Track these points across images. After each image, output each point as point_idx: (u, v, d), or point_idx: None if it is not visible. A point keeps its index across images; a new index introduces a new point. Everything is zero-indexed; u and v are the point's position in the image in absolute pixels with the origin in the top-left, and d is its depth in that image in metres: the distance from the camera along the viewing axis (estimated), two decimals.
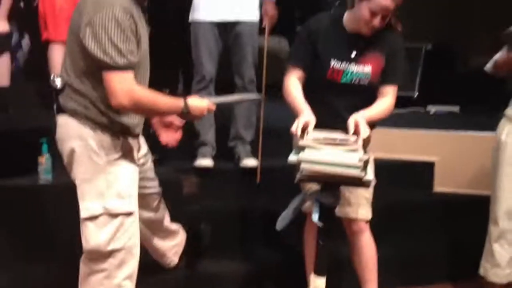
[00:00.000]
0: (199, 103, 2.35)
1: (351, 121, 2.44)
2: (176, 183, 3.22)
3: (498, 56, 2.99)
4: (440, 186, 3.93)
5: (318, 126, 2.49)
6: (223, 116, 3.70)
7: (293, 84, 2.63)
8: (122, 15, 2.10)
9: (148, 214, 2.69)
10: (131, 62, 2.14)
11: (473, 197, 3.64)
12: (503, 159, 2.91)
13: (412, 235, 3.56)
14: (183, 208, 3.20)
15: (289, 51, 4.57)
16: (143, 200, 2.58)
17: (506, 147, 2.90)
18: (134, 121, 2.33)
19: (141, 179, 2.49)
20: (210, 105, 2.40)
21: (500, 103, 3.03)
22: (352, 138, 2.43)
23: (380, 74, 2.61)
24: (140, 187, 2.47)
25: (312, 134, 2.43)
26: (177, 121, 2.48)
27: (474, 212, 3.53)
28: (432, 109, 4.92)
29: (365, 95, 2.62)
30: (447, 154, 3.92)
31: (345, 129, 2.46)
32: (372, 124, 2.57)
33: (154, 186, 2.67)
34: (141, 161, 2.50)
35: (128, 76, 2.14)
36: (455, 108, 4.88)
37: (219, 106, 2.50)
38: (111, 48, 2.09)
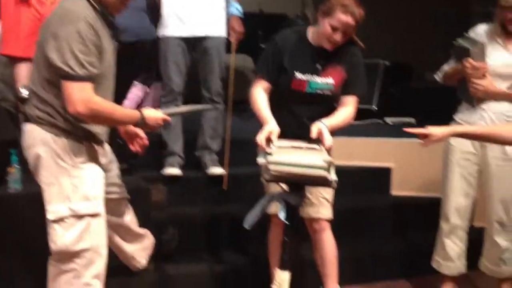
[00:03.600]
0: (155, 114, 2.48)
1: (315, 128, 2.57)
2: (145, 191, 3.29)
3: (446, 66, 3.19)
4: (397, 190, 4.13)
5: (283, 133, 2.61)
6: (191, 127, 3.83)
7: (259, 94, 2.76)
8: (85, 28, 2.20)
9: (116, 219, 2.76)
10: (90, 73, 2.23)
11: (427, 199, 3.85)
12: (452, 161, 3.11)
13: (371, 236, 3.74)
14: (152, 215, 3.28)
15: (254, 67, 4.72)
16: (110, 205, 2.64)
17: (454, 150, 3.10)
18: (98, 128, 2.43)
19: (108, 185, 2.57)
20: (165, 116, 2.53)
21: (452, 114, 3.21)
22: (316, 147, 2.56)
23: (342, 85, 2.77)
24: (107, 193, 2.54)
25: (277, 143, 2.55)
26: (139, 131, 2.62)
27: (428, 213, 3.72)
28: (390, 120, 5.14)
29: (327, 105, 2.78)
30: (403, 160, 4.13)
31: (309, 137, 2.59)
32: (332, 132, 2.69)
33: (120, 192, 2.75)
34: (107, 167, 2.59)
35: (87, 86, 2.23)
36: (411, 120, 5.09)
37: (173, 116, 2.64)
38: (71, 59, 2.20)
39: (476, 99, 3.04)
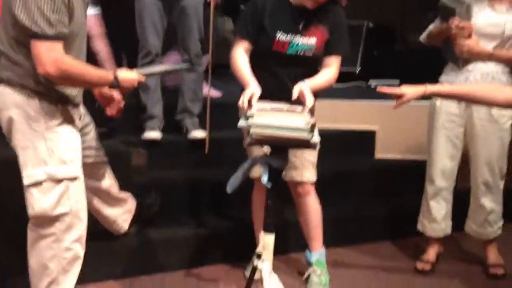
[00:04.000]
0: (129, 75, 2.42)
1: (296, 89, 2.52)
2: (125, 155, 3.23)
3: (432, 26, 3.13)
4: (381, 153, 4.10)
5: (265, 96, 2.57)
6: (170, 90, 3.75)
7: (240, 56, 2.70)
8: None
9: (95, 183, 2.72)
10: (60, 32, 2.15)
11: (412, 162, 3.83)
12: (437, 123, 3.06)
13: (355, 198, 3.73)
14: (132, 179, 3.23)
15: (234, 29, 4.64)
16: (89, 169, 2.60)
17: (440, 112, 3.06)
18: (71, 90, 2.35)
19: (85, 148, 2.52)
20: (140, 76, 2.46)
21: (437, 76, 3.16)
22: (298, 108, 2.51)
23: (324, 46, 2.70)
24: (85, 157, 2.49)
25: (258, 105, 2.50)
26: (116, 93, 2.53)
27: (412, 175, 3.71)
28: (373, 83, 5.08)
29: (309, 66, 2.72)
30: (387, 123, 4.09)
31: (290, 99, 2.54)
32: (315, 94, 2.65)
33: (99, 155, 2.70)
34: (84, 130, 2.53)
35: (57, 45, 2.15)
36: (395, 82, 5.02)
37: (148, 77, 2.56)
38: (40, 17, 2.11)
39: (461, 60, 2.98)
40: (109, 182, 2.81)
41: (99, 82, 2.37)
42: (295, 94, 2.51)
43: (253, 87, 2.54)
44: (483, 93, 2.29)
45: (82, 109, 2.50)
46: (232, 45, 2.77)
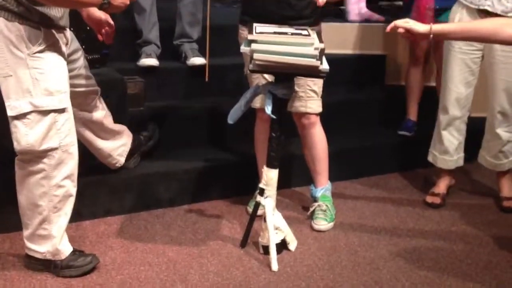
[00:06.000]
0: None
1: None
2: (120, 83, 3.05)
3: None
4: (391, 79, 3.93)
5: (263, 15, 2.44)
6: (167, 13, 3.53)
7: None
8: None
9: (87, 115, 2.58)
10: None
11: (424, 88, 3.63)
12: (454, 47, 2.87)
13: (363, 129, 3.58)
14: (129, 109, 3.08)
15: None
16: (80, 99, 2.46)
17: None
18: (57, 12, 2.15)
19: (74, 77, 2.37)
20: None
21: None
22: (304, 31, 2.34)
23: None
24: (74, 86, 2.36)
25: (260, 29, 2.33)
26: (104, 15, 2.34)
27: (424, 103, 3.57)
28: (383, 4, 4.85)
29: None
30: (398, 47, 3.88)
31: (289, 18, 2.42)
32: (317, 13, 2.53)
33: (90, 85, 2.55)
34: (72, 57, 2.36)
35: None
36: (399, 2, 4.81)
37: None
38: None
39: None
40: (102, 113, 2.66)
41: (88, 1, 2.14)
42: None
43: None
44: (493, 30, 2.11)
45: (68, 34, 2.31)
46: None
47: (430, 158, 3.09)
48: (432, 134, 3.08)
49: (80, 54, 2.44)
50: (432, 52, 3.52)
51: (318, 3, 2.35)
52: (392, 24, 2.17)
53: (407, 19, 2.17)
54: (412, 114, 3.59)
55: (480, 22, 2.38)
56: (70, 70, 2.30)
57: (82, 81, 2.48)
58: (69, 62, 2.30)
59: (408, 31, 2.15)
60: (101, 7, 2.15)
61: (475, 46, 2.84)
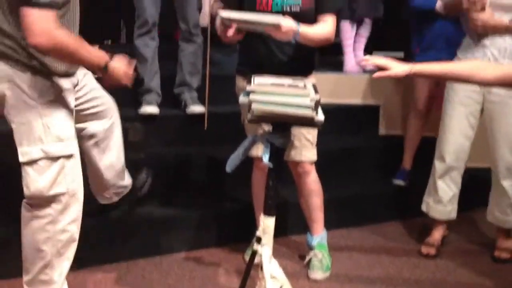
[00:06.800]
0: (121, 66, 2.26)
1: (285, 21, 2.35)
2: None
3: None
4: (385, 129, 3.99)
5: (254, 62, 2.53)
6: (168, 62, 3.61)
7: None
8: None
9: (103, 126, 2.57)
10: (53, 1, 2.01)
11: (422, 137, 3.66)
12: (454, 99, 2.93)
13: (358, 177, 3.62)
14: (128, 155, 3.11)
15: None
16: (98, 116, 2.51)
17: (457, 87, 2.92)
18: (66, 65, 2.21)
19: (90, 100, 2.43)
20: (129, 72, 2.32)
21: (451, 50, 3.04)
22: (301, 83, 2.41)
23: (314, 2, 2.55)
24: (92, 107, 2.43)
25: (258, 80, 2.40)
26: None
27: (418, 153, 3.61)
28: (378, 55, 4.93)
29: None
30: (392, 98, 3.97)
31: (281, 67, 2.49)
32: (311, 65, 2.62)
33: (105, 103, 2.56)
34: (82, 84, 2.39)
35: (50, 14, 2.00)
36: (400, 54, 4.90)
37: (228, 22, 2.36)
38: None
39: (477, 35, 2.84)
40: (117, 132, 2.68)
41: (90, 63, 2.21)
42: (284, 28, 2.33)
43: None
44: (471, 71, 2.14)
45: (79, 74, 2.36)
46: None
47: (423, 207, 3.12)
48: (427, 183, 3.10)
49: (89, 77, 2.46)
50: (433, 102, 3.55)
51: None
52: (371, 61, 2.17)
53: (387, 60, 2.16)
54: (408, 163, 3.64)
55: (459, 63, 2.42)
56: (83, 96, 2.37)
57: (98, 101, 2.50)
58: (81, 88, 2.36)
59: (386, 69, 2.13)
60: (99, 72, 2.19)
61: (474, 99, 2.90)
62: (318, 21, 2.56)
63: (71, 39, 2.08)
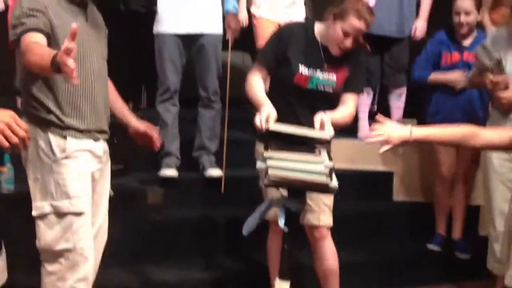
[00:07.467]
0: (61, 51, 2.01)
1: (318, 118, 2.49)
2: (141, 192, 3.22)
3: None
4: (399, 195, 4.03)
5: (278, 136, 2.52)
6: (187, 127, 3.74)
7: (256, 80, 2.69)
8: (28, 0, 2.20)
9: None
10: (31, 24, 2.15)
11: (430, 205, 3.75)
12: (490, 169, 3.03)
13: (373, 242, 3.65)
14: (148, 217, 3.20)
15: (251, 64, 4.63)
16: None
17: (491, 156, 3.02)
18: (80, 124, 2.32)
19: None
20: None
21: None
22: (318, 133, 2.46)
23: (343, 83, 2.71)
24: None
25: (276, 126, 2.46)
26: (143, 127, 2.54)
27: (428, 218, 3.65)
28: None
29: (328, 102, 2.70)
30: (405, 164, 4.03)
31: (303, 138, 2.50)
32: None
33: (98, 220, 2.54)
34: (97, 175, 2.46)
35: (33, 33, 2.14)
36: (413, 121, 4.98)
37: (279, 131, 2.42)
38: (17, 24, 2.18)
39: (502, 110, 2.97)
40: None
41: (41, 62, 2.07)
42: (317, 123, 2.47)
43: (269, 107, 2.51)
44: (459, 137, 2.19)
45: (101, 145, 2.44)
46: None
47: (488, 266, 3.12)
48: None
49: (104, 188, 2.52)
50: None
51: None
52: (371, 137, 2.18)
53: (385, 125, 2.18)
54: (441, 228, 3.68)
55: (455, 128, 2.33)
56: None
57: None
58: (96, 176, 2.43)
59: (387, 142, 2.16)
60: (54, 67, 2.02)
61: (508, 167, 2.99)
62: (342, 100, 2.71)
63: (35, 44, 2.14)
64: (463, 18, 3.52)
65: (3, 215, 2.84)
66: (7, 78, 3.66)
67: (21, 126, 1.68)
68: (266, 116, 2.45)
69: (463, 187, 3.69)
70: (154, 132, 2.57)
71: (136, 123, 2.56)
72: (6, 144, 1.65)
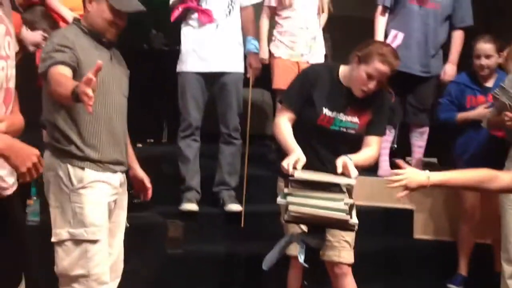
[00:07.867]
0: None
1: (340, 161, 2.49)
2: (161, 226, 3.25)
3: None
4: (419, 233, 4.00)
5: (304, 168, 2.53)
6: (208, 162, 3.79)
7: (285, 124, 2.71)
8: (58, 37, 2.39)
9: None
10: (59, 59, 2.29)
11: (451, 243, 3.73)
12: (506, 203, 3.04)
13: (392, 280, 3.63)
14: (168, 252, 3.22)
15: (271, 102, 4.71)
16: None
17: (508, 196, 3.02)
18: (96, 155, 2.41)
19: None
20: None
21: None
22: (342, 180, 2.44)
23: (366, 125, 2.73)
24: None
25: (301, 174, 2.46)
26: (144, 176, 2.66)
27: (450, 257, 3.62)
28: (411, 160, 5.02)
29: (351, 143, 2.72)
30: (425, 202, 4.01)
31: (331, 172, 2.51)
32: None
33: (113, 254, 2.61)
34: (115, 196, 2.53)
35: (59, 67, 2.28)
36: (433, 160, 4.98)
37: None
38: (46, 57, 2.32)
39: None
40: None
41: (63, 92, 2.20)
42: (339, 166, 2.47)
43: (298, 153, 2.52)
44: (477, 181, 2.20)
45: (118, 178, 2.51)
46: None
47: None
48: None
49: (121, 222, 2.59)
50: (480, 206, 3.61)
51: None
52: (391, 183, 2.19)
53: (404, 171, 2.19)
54: (463, 269, 3.64)
55: (472, 172, 2.32)
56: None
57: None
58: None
59: (406, 188, 2.17)
60: (74, 96, 2.09)
61: None
62: (364, 143, 2.73)
63: (60, 75, 2.27)
64: (484, 62, 3.55)
65: (28, 246, 2.87)
66: (33, 115, 3.74)
67: (42, 165, 1.79)
68: (295, 161, 2.46)
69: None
70: (149, 183, 2.67)
71: (138, 170, 2.67)
72: (29, 180, 1.78)
